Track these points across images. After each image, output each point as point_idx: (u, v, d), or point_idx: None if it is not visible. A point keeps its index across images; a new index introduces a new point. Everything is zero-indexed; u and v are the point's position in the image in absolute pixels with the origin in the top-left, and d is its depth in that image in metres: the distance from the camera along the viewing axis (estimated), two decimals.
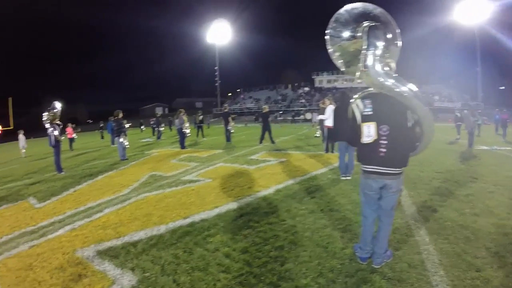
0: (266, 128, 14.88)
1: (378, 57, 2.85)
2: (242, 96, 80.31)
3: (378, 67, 2.83)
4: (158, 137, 21.97)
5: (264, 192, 6.05)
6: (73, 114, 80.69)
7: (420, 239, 3.88)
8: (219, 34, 58.62)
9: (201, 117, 21.39)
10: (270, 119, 15.17)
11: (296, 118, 48.49)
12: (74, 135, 19.23)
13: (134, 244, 4.02)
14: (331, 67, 70.71)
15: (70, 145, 18.80)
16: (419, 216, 4.68)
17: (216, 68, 59.53)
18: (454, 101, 57.47)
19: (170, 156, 12.02)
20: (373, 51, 2.85)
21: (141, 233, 4.36)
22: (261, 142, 14.86)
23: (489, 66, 54.17)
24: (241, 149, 13.18)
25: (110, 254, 3.78)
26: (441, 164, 8.77)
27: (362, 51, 2.91)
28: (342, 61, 3.25)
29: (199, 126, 21.09)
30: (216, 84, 59.21)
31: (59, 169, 9.70)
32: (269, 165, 8.90)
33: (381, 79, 2.81)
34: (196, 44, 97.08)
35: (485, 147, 13.15)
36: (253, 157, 10.67)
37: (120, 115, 12.23)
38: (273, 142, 14.72)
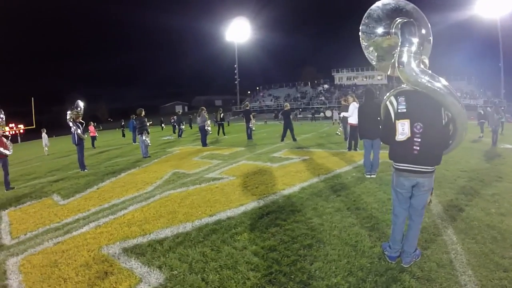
0: (287, 125, 14.78)
1: (413, 54, 2.83)
2: (261, 94, 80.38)
3: (413, 64, 2.83)
4: (179, 135, 22.01)
5: (289, 190, 5.95)
6: (94, 112, 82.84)
7: (448, 239, 3.85)
8: (239, 32, 58.78)
9: (222, 114, 21.36)
10: (291, 116, 15.05)
11: (316, 115, 48.08)
12: (96, 133, 19.52)
13: (161, 241, 3.98)
14: (350, 64, 70.28)
15: (93, 143, 19.17)
16: (445, 215, 4.64)
17: (235, 66, 59.59)
18: (477, 98, 56.36)
19: (192, 154, 12.01)
20: (407, 47, 2.84)
21: (167, 231, 4.32)
22: (282, 140, 14.75)
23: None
24: (263, 147, 13.09)
25: (136, 251, 3.75)
26: (466, 163, 8.62)
27: (397, 48, 2.93)
28: (375, 56, 3.30)
29: (220, 123, 21.04)
30: (236, 82, 59.30)
31: (83, 166, 9.83)
32: (292, 163, 8.79)
33: (416, 76, 2.81)
34: (216, 42, 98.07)
35: (509, 146, 12.87)
36: (275, 154, 10.56)
37: (143, 113, 12.27)
38: (295, 139, 14.60)
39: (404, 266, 3.19)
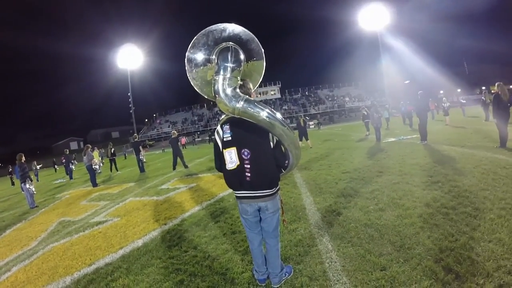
0: (176, 153, 15.11)
1: (227, 81, 2.79)
2: (158, 121, 79.66)
3: (228, 90, 2.78)
4: (70, 177, 21.05)
5: (170, 224, 6.13)
6: None
7: (323, 248, 3.96)
8: (130, 59, 57.10)
9: (112, 149, 20.87)
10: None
11: (213, 137, 48.68)
12: None
13: None
14: None
15: None
16: (323, 223, 4.79)
17: (129, 94, 57.60)
18: (365, 100, 63.87)
19: (81, 197, 11.68)
20: (222, 75, 2.79)
21: None
22: (174, 168, 14.97)
23: (393, 64, 60.53)
24: (154, 179, 13.17)
25: None
26: (349, 164, 9.35)
27: (213, 76, 2.87)
28: (198, 86, 3.13)
29: (111, 159, 20.53)
30: (131, 111, 57.10)
31: None
32: (178, 193, 9.03)
33: (232, 103, 2.75)
34: (107, 72, 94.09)
35: (393, 139, 14.49)
36: (164, 186, 10.72)
37: (22, 158, 11.47)
38: (186, 166, 14.91)
39: (274, 287, 3.24)
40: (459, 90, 70.59)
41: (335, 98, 76.48)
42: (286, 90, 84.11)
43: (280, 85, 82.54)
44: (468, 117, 24.66)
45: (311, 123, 48.93)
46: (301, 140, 16.53)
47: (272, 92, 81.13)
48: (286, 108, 74.28)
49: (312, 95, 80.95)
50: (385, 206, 5.14)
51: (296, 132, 15.64)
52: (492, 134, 11.63)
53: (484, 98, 18.63)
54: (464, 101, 29.67)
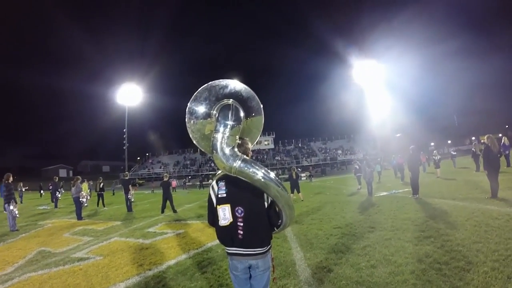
0: (167, 196, 14.95)
1: (226, 139, 2.79)
2: (150, 161, 79.63)
3: (226, 149, 2.78)
4: (56, 205, 20.68)
5: (155, 270, 5.92)
6: None
7: None
8: (129, 96, 57.17)
9: (101, 184, 20.48)
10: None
11: (204, 182, 48.11)
12: None
13: None
14: None
15: None
16: (313, 280, 4.68)
17: (124, 130, 57.68)
18: (356, 153, 64.69)
19: (65, 229, 11.44)
20: (221, 133, 2.80)
21: None
22: (162, 212, 14.73)
23: (384, 117, 62.26)
24: (141, 220, 12.93)
25: None
26: (341, 219, 9.23)
27: (212, 133, 2.87)
28: (197, 139, 3.14)
29: (99, 194, 20.14)
30: (124, 148, 56.91)
31: None
32: (165, 238, 8.81)
33: (229, 162, 2.75)
34: (105, 105, 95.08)
35: (384, 193, 14.44)
36: (151, 229, 10.50)
37: (10, 179, 11.33)
38: (175, 211, 14.68)
39: None
40: (449, 141, 72.47)
41: (328, 150, 77.07)
42: (280, 141, 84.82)
43: (274, 136, 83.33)
44: (459, 168, 25.18)
45: (303, 175, 48.94)
46: (292, 192, 16.39)
47: (266, 143, 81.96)
48: (279, 158, 74.66)
49: (305, 147, 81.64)
50: (377, 262, 5.07)
51: (288, 183, 15.62)
52: (483, 185, 11.82)
53: (474, 149, 19.07)
54: (455, 153, 30.15)
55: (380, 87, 58.30)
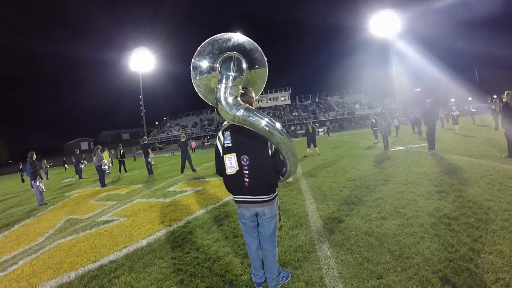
0: (185, 156, 15.30)
1: (229, 90, 2.83)
2: (168, 124, 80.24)
3: (230, 99, 2.83)
4: (80, 176, 21.35)
5: (174, 226, 6.19)
6: None
7: (322, 254, 3.97)
8: (142, 62, 57.11)
9: (122, 151, 20.94)
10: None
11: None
12: None
13: None
14: None
15: None
16: (324, 230, 4.80)
17: (140, 97, 57.88)
18: (375, 108, 63.23)
19: (90, 197, 11.86)
20: (224, 83, 2.84)
21: (52, 282, 4.37)
22: (182, 172, 15.10)
23: (404, 71, 60.13)
24: (162, 181, 13.28)
25: None
26: (356, 172, 9.32)
27: (216, 85, 2.92)
28: (203, 93, 3.16)
29: (120, 160, 20.65)
30: (142, 114, 57.37)
31: None
32: (184, 196, 9.09)
33: (232, 112, 2.80)
34: (119, 74, 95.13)
35: (401, 147, 14.37)
36: (171, 189, 10.82)
37: (34, 156, 11.71)
38: (193, 170, 15.00)
39: None
40: (470, 98, 70.12)
41: (345, 105, 76.16)
42: (297, 97, 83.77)
43: (290, 91, 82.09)
44: (478, 126, 24.44)
45: (320, 129, 48.70)
46: (308, 146, 16.49)
47: (283, 98, 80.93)
48: (296, 114, 74.26)
49: (322, 102, 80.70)
50: (387, 214, 5.13)
51: (302, 139, 15.54)
52: (501, 144, 11.51)
53: (494, 107, 18.43)
54: (475, 110, 29.13)
55: (399, 39, 56.23)
